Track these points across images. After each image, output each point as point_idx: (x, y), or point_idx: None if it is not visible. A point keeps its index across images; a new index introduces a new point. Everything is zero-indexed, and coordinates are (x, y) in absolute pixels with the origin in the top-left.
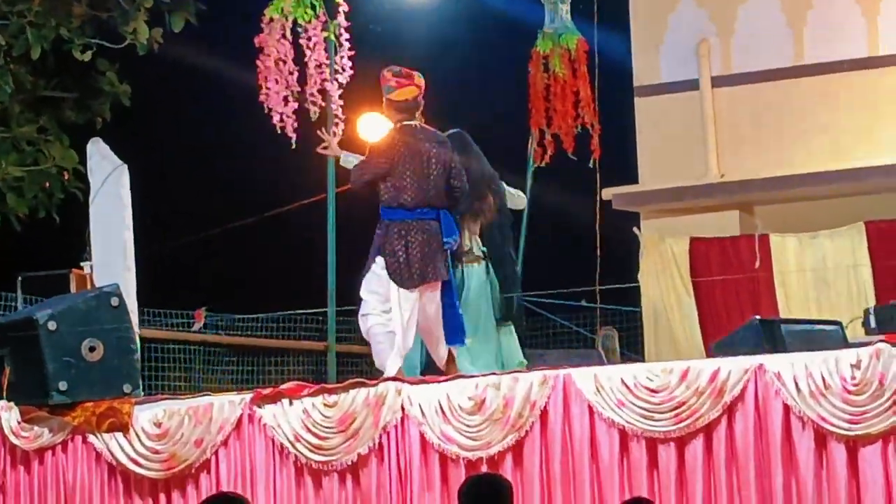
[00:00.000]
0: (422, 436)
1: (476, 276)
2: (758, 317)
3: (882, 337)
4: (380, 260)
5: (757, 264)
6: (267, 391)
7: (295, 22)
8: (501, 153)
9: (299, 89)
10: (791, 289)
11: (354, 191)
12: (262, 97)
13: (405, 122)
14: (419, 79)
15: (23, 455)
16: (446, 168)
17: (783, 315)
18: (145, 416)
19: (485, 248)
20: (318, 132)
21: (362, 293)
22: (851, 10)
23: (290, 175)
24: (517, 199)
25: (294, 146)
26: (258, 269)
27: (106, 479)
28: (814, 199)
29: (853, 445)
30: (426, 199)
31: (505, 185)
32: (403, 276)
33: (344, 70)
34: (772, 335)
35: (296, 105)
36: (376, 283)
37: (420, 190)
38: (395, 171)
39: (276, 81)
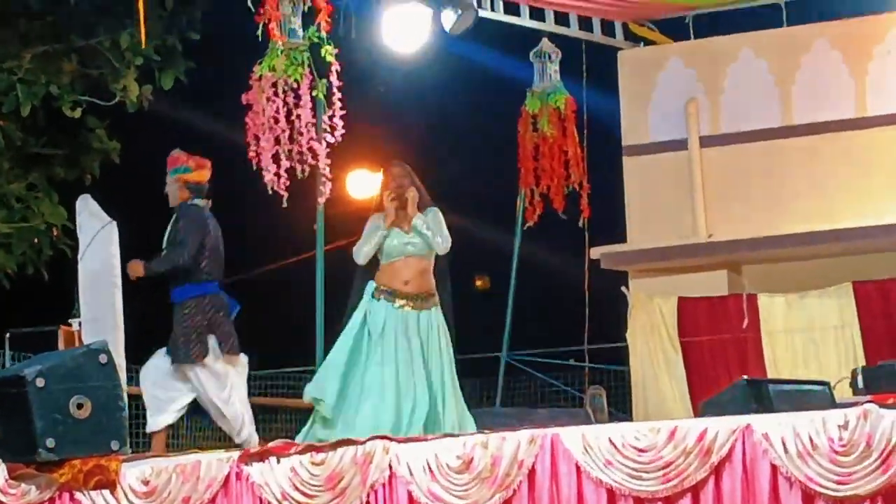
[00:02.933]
0: (409, 494)
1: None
2: (745, 377)
3: (870, 397)
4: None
5: (745, 324)
6: (255, 449)
7: (285, 80)
8: (491, 212)
9: (290, 147)
10: (779, 349)
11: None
12: (250, 154)
13: (195, 202)
14: (209, 166)
15: None
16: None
17: (771, 375)
18: (133, 473)
19: None
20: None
21: None
22: (839, 70)
23: (280, 233)
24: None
25: (286, 204)
26: (246, 327)
27: None
28: (802, 259)
29: None
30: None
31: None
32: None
33: (335, 129)
34: (759, 395)
35: (288, 163)
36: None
37: (221, 266)
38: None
39: (267, 139)
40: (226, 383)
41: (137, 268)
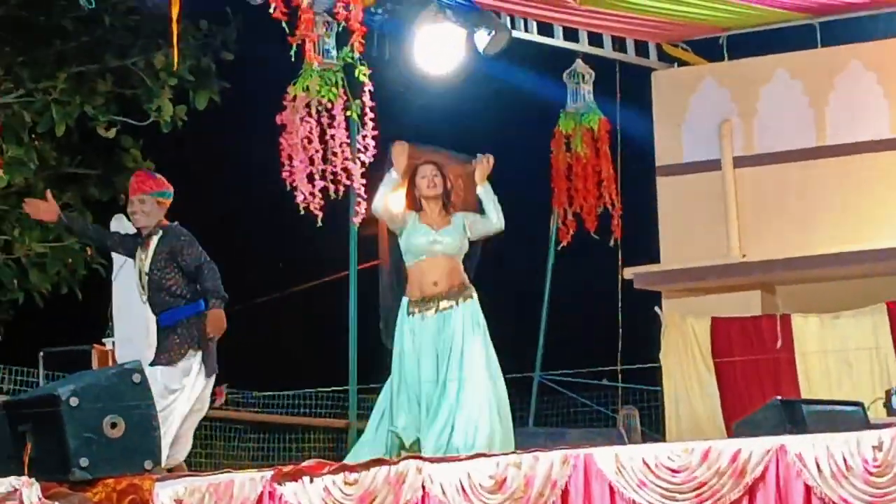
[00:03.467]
0: None
1: None
2: (779, 397)
3: None
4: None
5: (778, 344)
6: (288, 469)
7: (319, 101)
8: (524, 232)
9: (324, 167)
10: (812, 369)
11: None
12: (284, 174)
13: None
14: None
15: None
16: None
17: (804, 395)
18: (166, 492)
19: None
20: None
21: None
22: (873, 91)
23: (313, 252)
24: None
25: (320, 224)
26: (280, 346)
27: None
28: (836, 279)
29: None
30: None
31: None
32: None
33: (367, 149)
34: (793, 416)
35: (322, 183)
36: None
37: None
38: None
39: (301, 160)
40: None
41: (220, 321)
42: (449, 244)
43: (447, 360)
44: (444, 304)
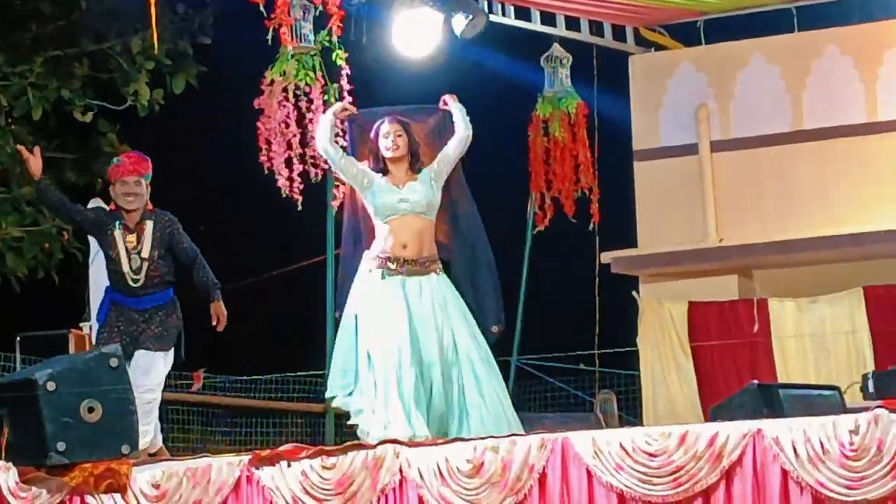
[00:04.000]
0: (420, 498)
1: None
2: (756, 381)
3: (880, 402)
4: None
5: (755, 329)
6: (265, 453)
7: (297, 85)
8: (501, 216)
9: (302, 151)
10: (789, 354)
11: None
12: (262, 159)
13: None
14: None
15: None
16: None
17: (781, 380)
18: (143, 477)
19: None
20: None
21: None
22: (850, 76)
23: (291, 237)
24: None
25: (300, 208)
26: (257, 331)
27: None
28: (812, 263)
29: None
30: None
31: None
32: None
33: (345, 133)
34: (770, 400)
35: (301, 167)
36: None
37: None
38: None
39: (279, 144)
40: None
41: (222, 307)
42: (416, 202)
43: (448, 347)
44: (419, 269)
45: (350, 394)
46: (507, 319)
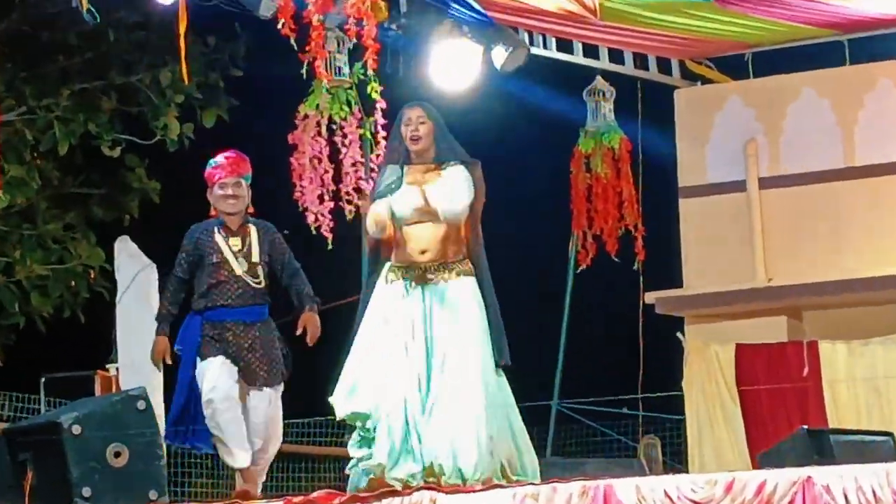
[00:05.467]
0: None
1: None
2: (806, 427)
3: None
4: None
5: (805, 372)
6: (297, 499)
7: (330, 119)
8: (542, 255)
9: (335, 188)
10: (840, 398)
11: None
12: (296, 195)
13: None
14: None
15: None
16: None
17: (832, 425)
18: None
19: None
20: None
21: None
22: None
23: (324, 275)
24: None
25: (330, 246)
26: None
27: None
28: (865, 304)
29: None
30: None
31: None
32: None
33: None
34: (820, 446)
35: (332, 204)
36: None
37: None
38: None
39: (311, 180)
40: None
41: (318, 326)
42: (435, 210)
43: (434, 348)
44: (430, 276)
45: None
46: (549, 361)
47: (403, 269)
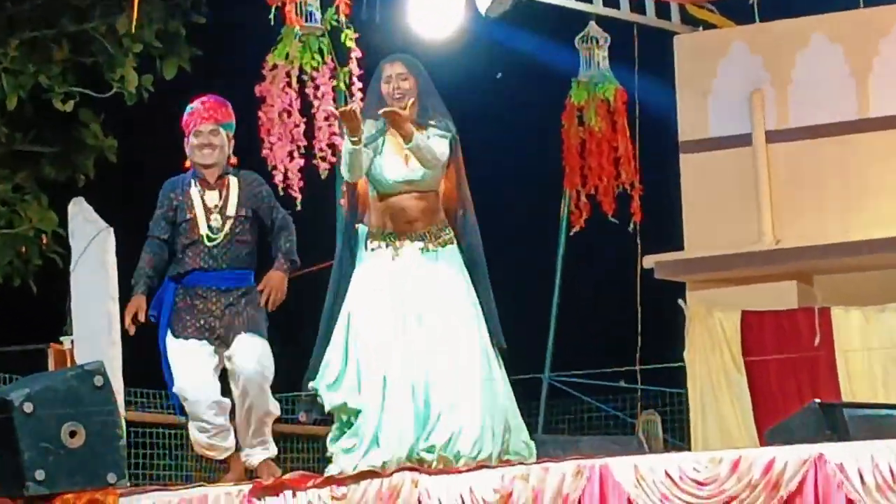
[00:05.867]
0: None
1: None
2: (817, 400)
3: None
4: None
5: (817, 341)
6: (268, 481)
7: (301, 69)
8: (532, 215)
9: (306, 144)
10: (855, 369)
11: None
12: (264, 152)
13: None
14: None
15: None
16: None
17: (846, 398)
18: None
19: None
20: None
21: None
22: None
23: (298, 239)
24: None
25: (299, 206)
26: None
27: None
28: (881, 267)
29: None
30: None
31: None
32: None
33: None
34: (833, 421)
35: (302, 161)
36: None
37: None
38: None
39: (280, 135)
40: None
41: (283, 285)
42: (427, 176)
43: (424, 322)
44: (420, 243)
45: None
46: (540, 331)
47: (388, 237)
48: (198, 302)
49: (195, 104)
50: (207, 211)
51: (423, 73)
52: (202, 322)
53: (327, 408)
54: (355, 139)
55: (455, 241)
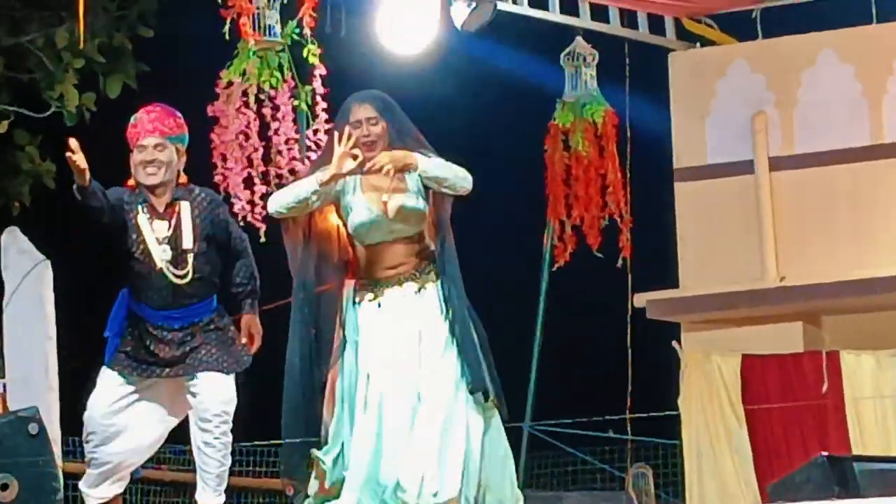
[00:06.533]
0: None
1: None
2: (825, 453)
3: None
4: None
5: (824, 388)
6: None
7: (259, 87)
8: (512, 249)
9: (265, 169)
10: (866, 419)
11: None
12: (217, 177)
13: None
14: None
15: None
16: None
17: (856, 451)
18: None
19: None
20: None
21: None
22: None
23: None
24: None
25: (263, 238)
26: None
27: None
28: (894, 308)
29: None
30: None
31: None
32: None
33: (319, 146)
34: (842, 476)
35: (264, 189)
36: None
37: None
38: None
39: (237, 160)
40: None
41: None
42: (409, 218)
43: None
44: (406, 285)
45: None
46: (519, 375)
47: (371, 286)
48: (143, 343)
49: (139, 114)
50: (157, 243)
51: (395, 113)
52: (145, 367)
53: (329, 482)
54: (325, 182)
55: (437, 279)
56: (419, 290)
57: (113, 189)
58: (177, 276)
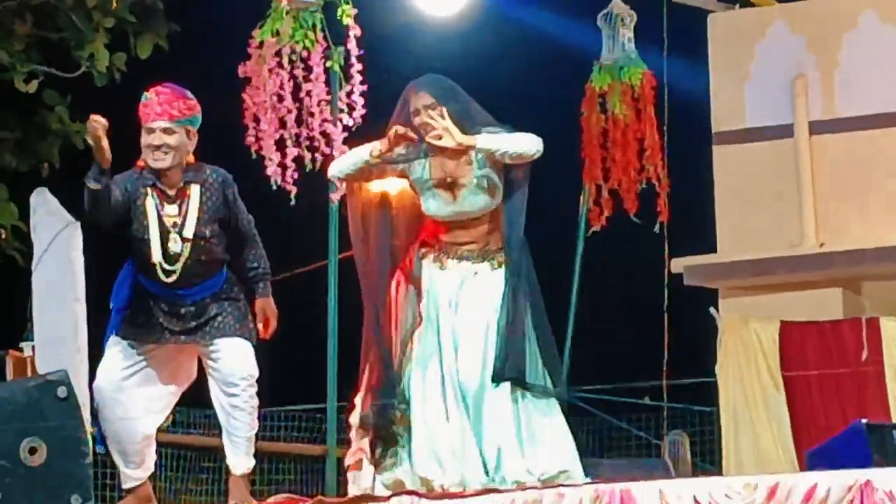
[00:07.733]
0: None
1: None
2: (864, 420)
3: None
4: None
5: (864, 355)
6: None
7: (292, 48)
8: (548, 213)
9: (297, 131)
10: None
11: None
12: (248, 140)
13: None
14: None
15: None
16: None
17: None
18: None
19: None
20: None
21: None
22: None
23: (286, 237)
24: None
25: (293, 202)
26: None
27: None
28: None
29: None
30: None
31: None
32: None
33: (352, 109)
34: (882, 443)
35: (296, 151)
36: None
37: None
38: None
39: (269, 122)
40: None
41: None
42: (477, 205)
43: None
44: (469, 262)
45: None
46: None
47: (435, 249)
48: (154, 312)
49: (150, 94)
50: (164, 232)
51: (456, 94)
52: (157, 334)
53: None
54: (379, 153)
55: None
56: (484, 271)
57: (119, 176)
58: (166, 273)
